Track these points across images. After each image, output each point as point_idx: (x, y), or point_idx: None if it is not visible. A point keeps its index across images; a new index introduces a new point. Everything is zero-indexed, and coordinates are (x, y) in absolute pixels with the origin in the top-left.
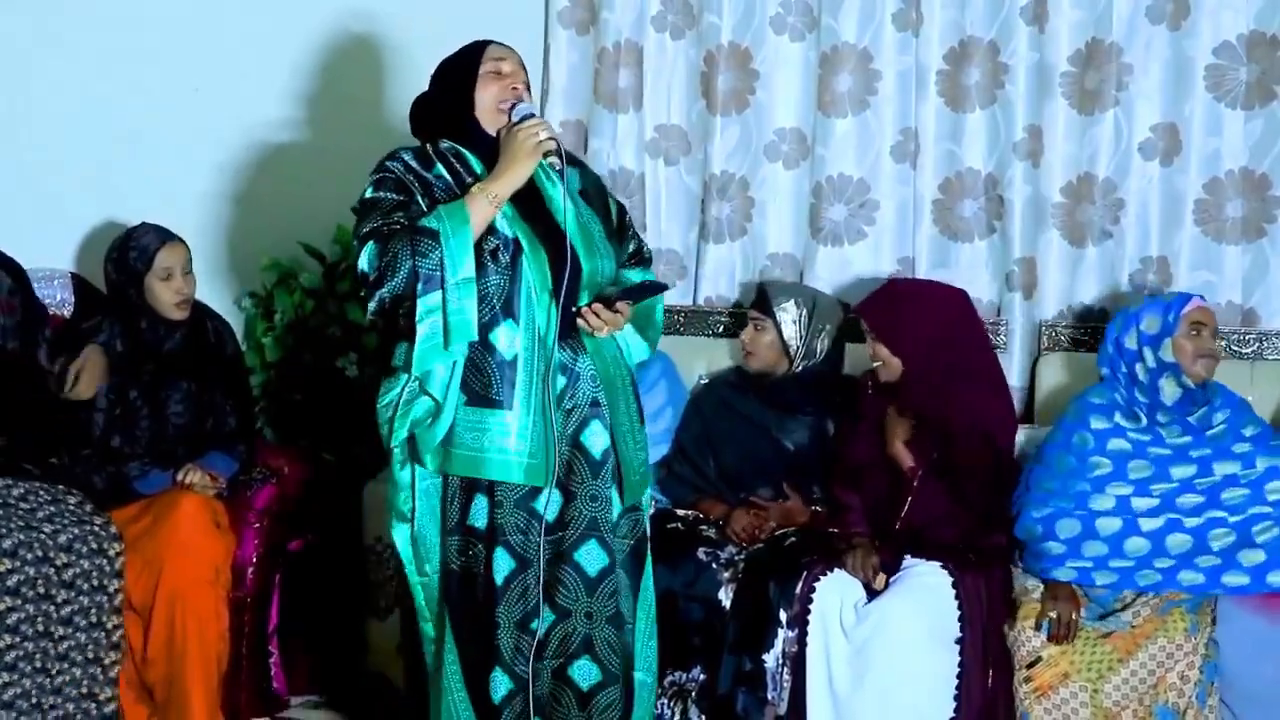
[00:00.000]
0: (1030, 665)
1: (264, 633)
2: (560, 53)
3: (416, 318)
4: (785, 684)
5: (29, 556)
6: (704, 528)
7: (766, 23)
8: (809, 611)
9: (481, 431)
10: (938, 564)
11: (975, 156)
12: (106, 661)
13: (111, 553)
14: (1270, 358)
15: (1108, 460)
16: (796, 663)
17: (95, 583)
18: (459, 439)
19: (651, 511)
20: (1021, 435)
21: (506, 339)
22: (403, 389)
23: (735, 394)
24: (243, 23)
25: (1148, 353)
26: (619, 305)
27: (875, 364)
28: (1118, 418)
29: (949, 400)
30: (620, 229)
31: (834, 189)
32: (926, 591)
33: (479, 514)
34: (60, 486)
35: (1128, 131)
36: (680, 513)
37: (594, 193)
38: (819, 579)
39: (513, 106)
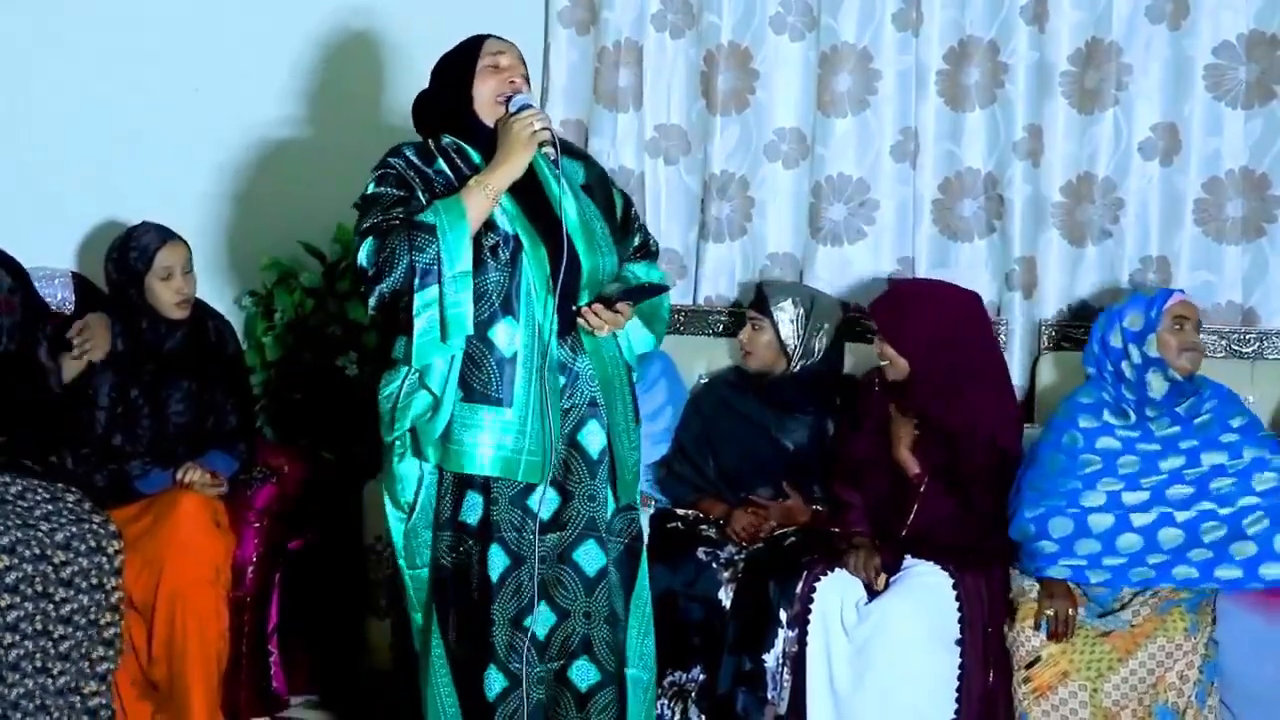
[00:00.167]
0: (1029, 665)
1: (264, 632)
2: (560, 52)
3: (414, 312)
4: (785, 684)
5: (26, 554)
6: (704, 527)
7: (766, 22)
8: (809, 611)
9: (480, 428)
10: (938, 564)
11: (975, 156)
12: (94, 657)
13: (110, 551)
14: (1270, 357)
15: (1097, 458)
16: (797, 662)
17: (94, 581)
18: (457, 435)
19: (651, 511)
20: None
21: (506, 336)
22: (403, 381)
23: (735, 393)
24: (243, 22)
25: (1133, 349)
26: (619, 305)
27: (883, 363)
28: (1106, 415)
29: (953, 403)
30: (625, 222)
31: (834, 189)
32: (927, 591)
33: (471, 510)
34: (59, 485)
35: (1127, 131)
36: (680, 512)
37: (598, 186)
38: (819, 578)
39: (509, 99)
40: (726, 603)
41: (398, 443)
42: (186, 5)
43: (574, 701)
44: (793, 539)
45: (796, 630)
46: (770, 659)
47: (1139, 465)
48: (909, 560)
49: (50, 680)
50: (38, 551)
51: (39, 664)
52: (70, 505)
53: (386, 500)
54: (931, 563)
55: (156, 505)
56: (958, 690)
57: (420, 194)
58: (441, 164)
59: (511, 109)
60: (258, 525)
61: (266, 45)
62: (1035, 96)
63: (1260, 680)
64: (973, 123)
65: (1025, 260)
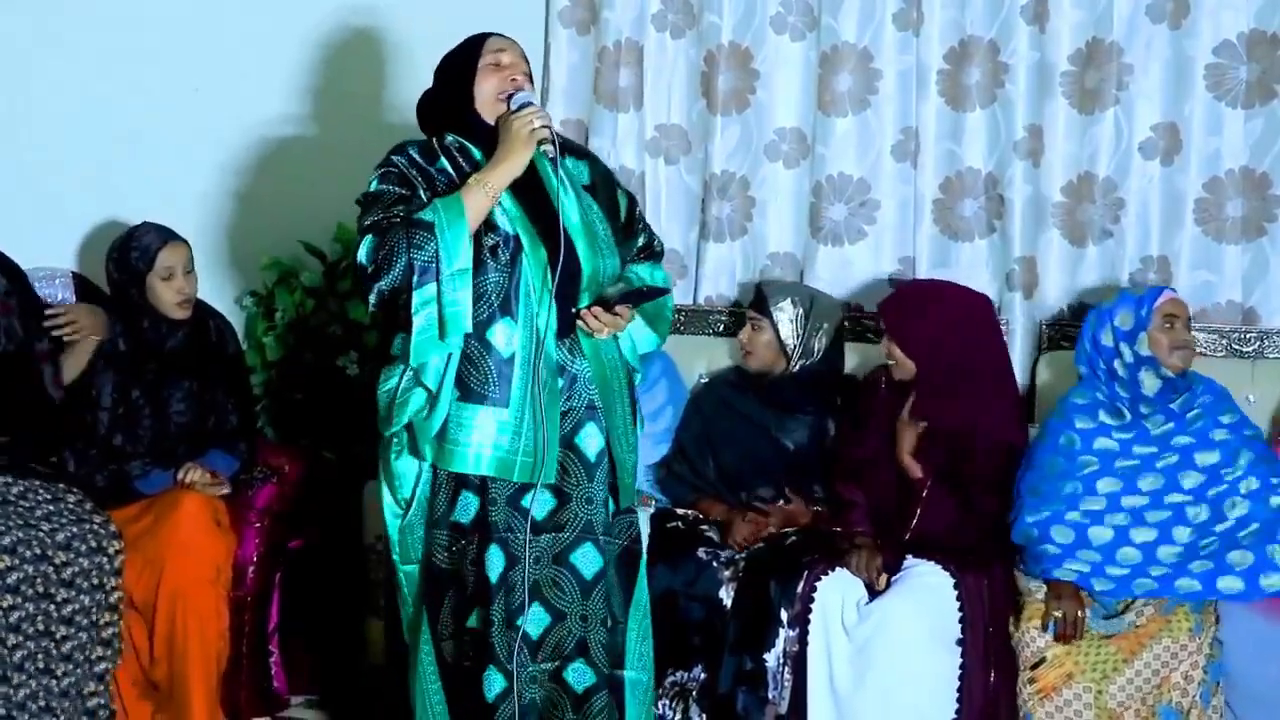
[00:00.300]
0: (1035, 666)
1: (264, 632)
2: (561, 52)
3: (412, 309)
4: (786, 683)
5: (27, 554)
6: (704, 527)
7: (767, 22)
8: (810, 611)
9: (477, 428)
10: (939, 564)
11: (975, 156)
12: (93, 657)
13: (110, 551)
14: (1271, 356)
15: (1095, 459)
16: (797, 662)
17: (94, 581)
18: (453, 434)
19: (651, 511)
20: None
21: (504, 337)
22: (400, 377)
23: (735, 393)
24: (243, 22)
25: (1124, 348)
26: (619, 309)
27: (889, 363)
28: (1102, 415)
29: (956, 405)
30: (630, 222)
31: (834, 188)
32: (928, 591)
33: (465, 510)
34: (60, 485)
35: (1128, 131)
36: (680, 512)
37: (602, 186)
38: (820, 578)
39: (510, 96)
40: (727, 602)
41: (395, 439)
42: (186, 5)
43: (570, 704)
44: (794, 538)
45: (797, 630)
46: (771, 658)
47: (1137, 465)
48: (910, 560)
49: (54, 681)
50: (39, 552)
51: (42, 665)
52: (71, 505)
53: (384, 494)
54: (932, 562)
55: (157, 505)
56: (959, 690)
57: (422, 192)
58: (444, 163)
59: (512, 106)
60: (258, 525)
61: (266, 45)
62: (1036, 96)
63: (1264, 680)
64: (973, 122)
65: (1026, 260)
